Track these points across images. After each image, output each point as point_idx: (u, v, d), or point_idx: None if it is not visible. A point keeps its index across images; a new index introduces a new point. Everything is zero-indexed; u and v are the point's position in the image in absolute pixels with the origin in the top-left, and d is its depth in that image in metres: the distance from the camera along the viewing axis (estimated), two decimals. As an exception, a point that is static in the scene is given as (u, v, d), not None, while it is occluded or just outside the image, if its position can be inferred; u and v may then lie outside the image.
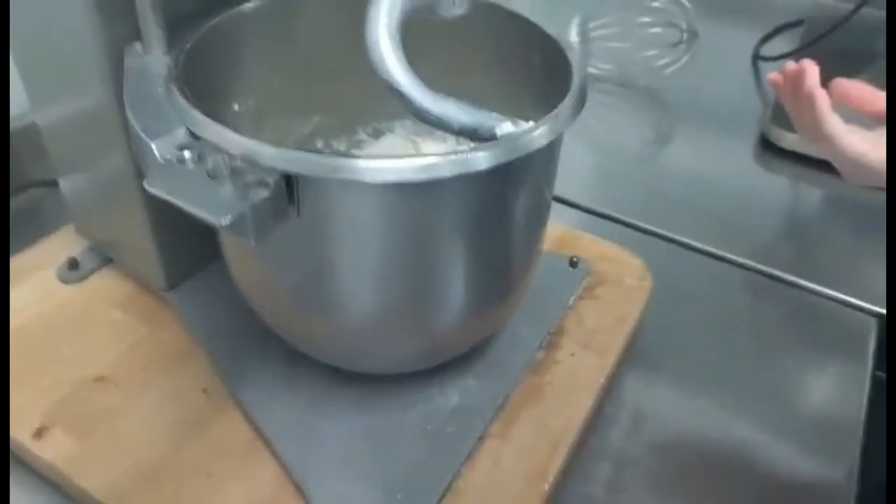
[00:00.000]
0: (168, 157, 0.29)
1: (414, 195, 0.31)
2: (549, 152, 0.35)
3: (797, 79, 0.40)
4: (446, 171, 0.28)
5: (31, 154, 0.59)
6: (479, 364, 0.43)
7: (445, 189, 0.31)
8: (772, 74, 0.43)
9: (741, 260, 0.57)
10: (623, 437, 0.43)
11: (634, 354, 0.48)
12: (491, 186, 0.33)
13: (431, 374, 0.41)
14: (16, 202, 0.57)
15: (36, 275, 0.49)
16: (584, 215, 0.62)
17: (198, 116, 0.29)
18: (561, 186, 0.63)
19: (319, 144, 0.46)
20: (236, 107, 0.40)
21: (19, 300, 0.47)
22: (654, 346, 0.49)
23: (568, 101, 0.33)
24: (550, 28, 0.39)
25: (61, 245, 0.50)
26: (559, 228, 0.54)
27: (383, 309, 0.35)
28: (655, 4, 0.75)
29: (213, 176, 0.28)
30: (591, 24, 0.78)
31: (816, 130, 0.40)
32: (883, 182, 0.39)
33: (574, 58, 0.36)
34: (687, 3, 0.76)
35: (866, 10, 0.79)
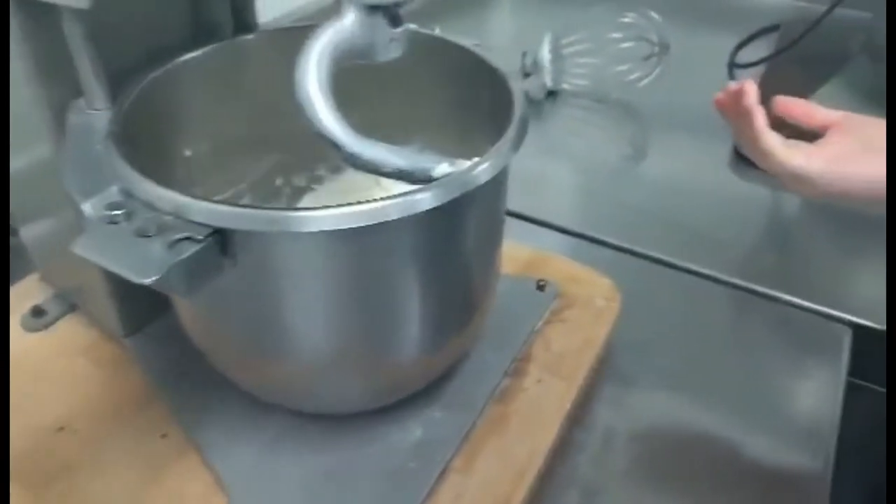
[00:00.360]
0: (99, 216, 0.29)
1: (355, 240, 0.30)
2: (494, 185, 0.35)
3: (737, 97, 0.40)
4: (386, 216, 0.28)
5: None
6: (443, 394, 0.42)
7: (389, 231, 0.31)
8: (718, 95, 0.44)
9: (716, 274, 0.57)
10: (592, 464, 0.42)
11: (605, 376, 0.47)
12: (436, 224, 0.32)
13: (395, 408, 0.41)
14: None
15: None
16: (557, 235, 0.61)
17: (128, 173, 0.29)
18: (533, 205, 0.64)
19: (279, 182, 0.46)
20: (188, 153, 0.40)
21: (-18, 351, 0.47)
22: (627, 367, 0.49)
23: (508, 135, 0.33)
24: (497, 60, 0.39)
25: (25, 293, 0.50)
26: (527, 251, 0.54)
27: (335, 353, 0.35)
28: (626, 20, 0.75)
29: (141, 234, 0.28)
30: (564, 41, 0.78)
31: (754, 147, 0.40)
32: (823, 193, 0.39)
33: (516, 90, 0.36)
34: (657, 17, 0.76)
35: (840, 11, 0.79)
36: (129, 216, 0.29)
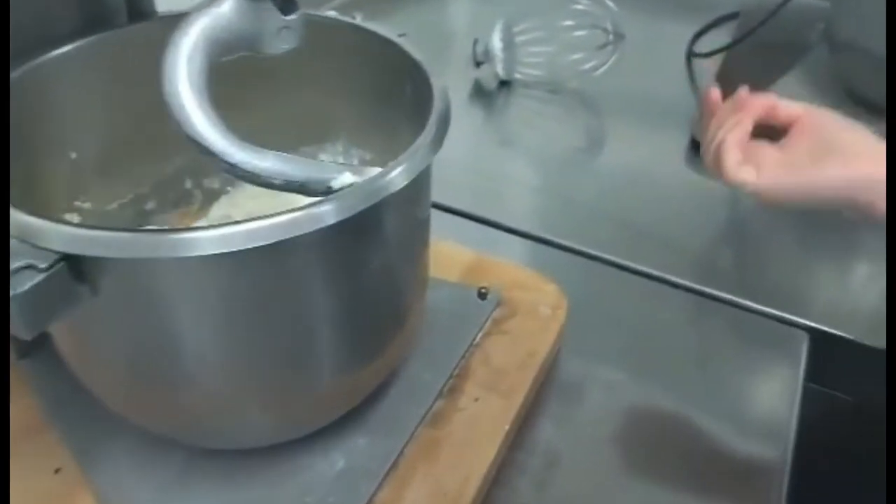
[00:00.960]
0: None
1: (244, 262, 0.26)
2: (412, 190, 0.31)
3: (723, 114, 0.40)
4: (279, 235, 0.24)
5: None
6: (370, 419, 0.39)
7: (286, 250, 0.27)
8: (711, 90, 0.43)
9: (670, 277, 0.54)
10: (534, 488, 0.39)
11: (550, 390, 0.44)
12: (344, 239, 0.29)
13: (315, 435, 0.37)
14: None
15: None
16: (504, 235, 0.58)
17: None
18: (481, 203, 0.61)
19: (188, 185, 0.42)
20: (73, 155, 0.35)
21: None
22: (573, 379, 0.46)
23: (424, 138, 0.29)
24: (419, 52, 0.35)
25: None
26: (470, 254, 0.51)
27: (230, 385, 0.31)
28: (579, 7, 0.72)
29: None
30: (516, 29, 0.74)
31: (713, 153, 0.40)
32: (773, 204, 0.38)
33: (437, 86, 0.32)
34: (611, 4, 0.73)
35: (799, 0, 0.77)
36: None
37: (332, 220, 0.25)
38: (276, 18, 0.27)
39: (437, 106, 0.31)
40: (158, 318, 0.27)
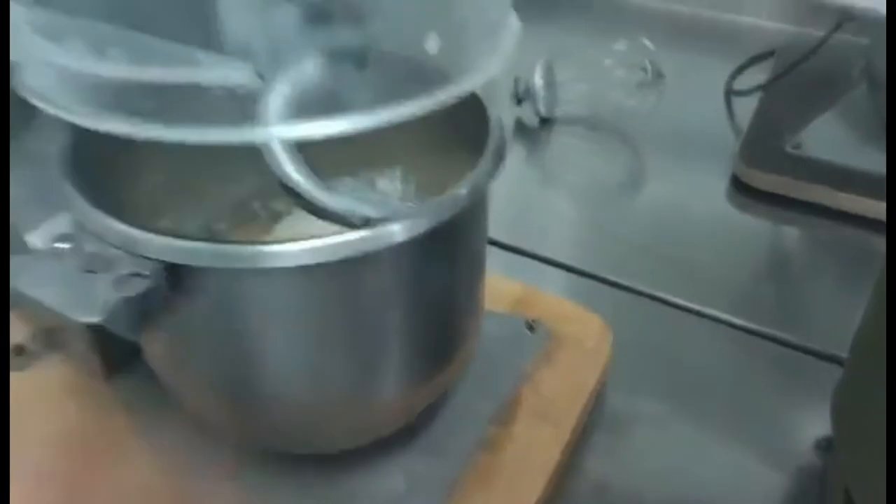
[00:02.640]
0: (46, 248, 0.28)
1: (318, 276, 0.29)
2: (476, 210, 0.34)
3: None
4: (352, 251, 0.27)
5: None
6: (427, 442, 0.41)
7: (357, 266, 0.29)
8: None
9: (712, 312, 0.55)
10: (583, 515, 0.41)
11: (596, 421, 0.46)
12: (416, 254, 0.31)
13: (375, 455, 0.40)
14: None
15: (-22, 364, 0.48)
16: (548, 268, 0.60)
17: (75, 201, 0.28)
18: (524, 237, 0.63)
19: (256, 206, 0.45)
20: (156, 176, 0.38)
21: (-40, 392, 0.46)
22: (619, 410, 0.47)
23: (485, 162, 0.32)
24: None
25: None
26: (517, 287, 0.53)
27: (303, 392, 0.34)
28: (619, 47, 0.75)
29: (87, 269, 0.26)
30: (557, 67, 0.77)
31: None
32: None
33: (493, 115, 0.35)
34: (650, 45, 0.76)
35: (839, 36, 0.78)
36: (76, 250, 0.27)
37: (401, 238, 0.28)
38: (353, 76, 0.29)
39: (494, 132, 0.33)
40: (235, 327, 0.30)
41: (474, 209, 0.32)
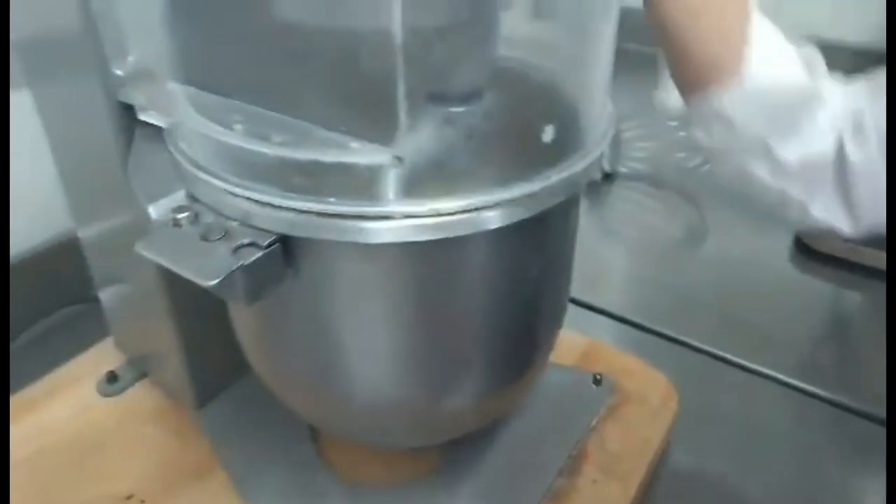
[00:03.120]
0: (164, 218, 0.29)
1: (418, 253, 0.29)
2: (564, 213, 0.34)
3: None
4: (459, 231, 0.27)
5: (77, 271, 0.64)
6: (497, 491, 0.43)
7: (457, 247, 0.30)
8: None
9: (775, 374, 0.56)
10: (646, 573, 0.42)
11: (660, 479, 0.47)
12: (504, 244, 0.31)
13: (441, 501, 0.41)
14: (60, 316, 0.60)
15: (76, 387, 0.51)
16: (611, 322, 0.62)
17: (193, 175, 0.29)
18: (587, 290, 0.65)
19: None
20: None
21: (59, 412, 0.49)
22: (682, 469, 0.48)
23: (580, 165, 0.30)
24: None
25: (101, 358, 0.53)
26: (584, 341, 0.54)
27: (388, 374, 0.34)
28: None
29: (206, 238, 0.28)
30: (622, 126, 0.80)
31: None
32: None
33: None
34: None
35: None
36: (194, 220, 0.29)
37: (496, 224, 0.28)
38: (461, 143, 0.31)
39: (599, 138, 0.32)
40: (334, 303, 0.31)
41: (567, 209, 0.32)
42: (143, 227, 0.38)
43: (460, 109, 0.28)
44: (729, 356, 0.57)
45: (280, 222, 0.27)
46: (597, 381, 0.50)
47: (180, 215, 0.28)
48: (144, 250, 0.27)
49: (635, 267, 0.71)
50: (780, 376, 0.56)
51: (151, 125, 0.33)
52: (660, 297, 0.66)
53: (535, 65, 0.30)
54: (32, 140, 0.60)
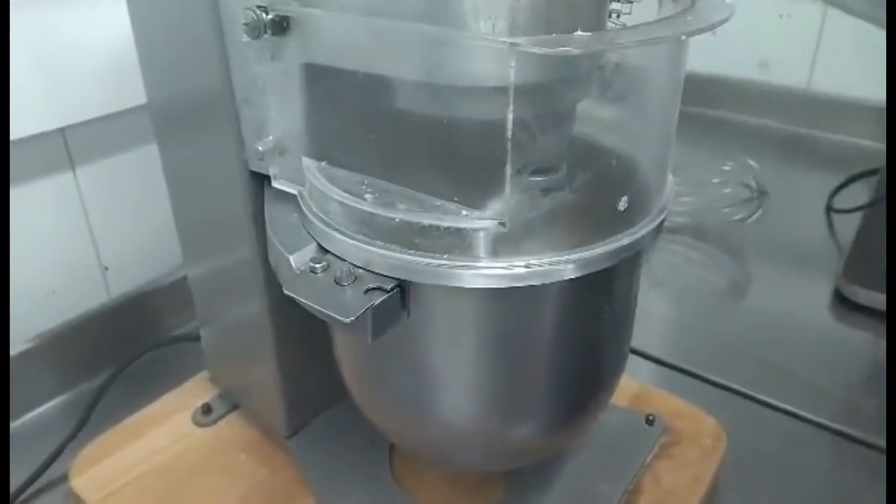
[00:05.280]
0: (303, 268, 0.34)
1: (515, 299, 0.34)
2: (632, 266, 0.39)
3: None
4: (543, 280, 0.32)
5: (179, 312, 0.70)
6: (558, 520, 0.47)
7: (540, 294, 0.34)
8: None
9: (817, 419, 0.59)
10: None
11: (711, 516, 0.50)
12: (578, 294, 0.36)
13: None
14: (163, 353, 0.67)
15: (174, 418, 0.57)
16: (659, 368, 0.66)
17: (326, 232, 0.34)
18: (634, 338, 0.68)
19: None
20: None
21: (159, 441, 0.54)
22: (731, 508, 0.51)
23: (650, 225, 0.35)
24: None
25: (196, 392, 0.58)
26: (635, 385, 0.59)
27: (473, 403, 0.39)
28: (726, 168, 0.82)
29: (339, 283, 0.33)
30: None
31: None
32: None
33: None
34: (754, 165, 0.82)
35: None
36: (326, 269, 0.34)
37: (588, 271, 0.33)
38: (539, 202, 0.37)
39: (665, 198, 0.38)
40: (442, 337, 0.36)
41: (633, 263, 0.38)
42: (255, 268, 0.44)
43: (547, 179, 0.33)
44: (773, 401, 0.61)
45: (401, 270, 0.33)
46: (649, 422, 0.54)
47: (316, 265, 0.34)
48: (291, 293, 0.32)
49: (681, 315, 0.75)
50: (822, 420, 0.59)
51: (278, 190, 0.39)
52: (705, 344, 0.70)
53: (612, 143, 0.35)
54: (149, 190, 0.68)
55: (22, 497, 0.54)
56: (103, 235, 0.68)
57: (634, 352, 0.67)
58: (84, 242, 0.67)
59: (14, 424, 0.62)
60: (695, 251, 0.84)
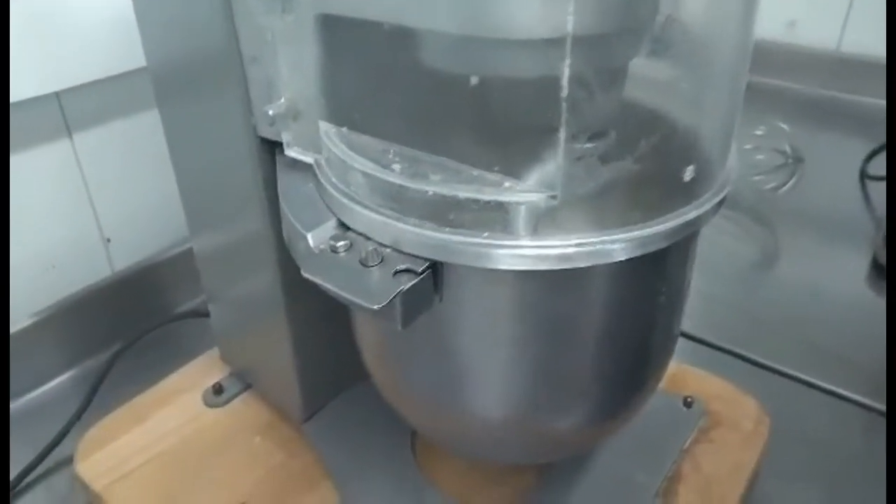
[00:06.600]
0: (322, 247, 0.31)
1: (562, 281, 0.30)
2: (684, 249, 0.36)
3: None
4: (602, 259, 0.28)
5: (186, 286, 0.67)
6: (595, 511, 0.44)
7: (585, 277, 0.31)
8: None
9: (857, 397, 0.56)
10: None
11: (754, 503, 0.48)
12: (632, 276, 0.32)
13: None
14: (170, 329, 0.64)
15: (183, 398, 0.54)
16: (691, 344, 0.62)
17: (349, 207, 0.31)
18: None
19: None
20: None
21: (168, 422, 0.52)
22: (773, 494, 0.49)
23: (706, 206, 0.32)
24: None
25: (207, 370, 0.55)
26: (671, 364, 0.55)
27: (511, 393, 0.36)
28: (758, 132, 0.77)
29: (364, 264, 0.29)
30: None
31: None
32: None
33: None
34: (786, 128, 0.78)
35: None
36: (349, 248, 0.30)
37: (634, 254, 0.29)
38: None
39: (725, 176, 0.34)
40: (472, 327, 0.33)
41: (691, 240, 0.34)
42: (266, 241, 0.40)
43: (603, 144, 0.29)
44: (811, 379, 0.58)
45: (435, 249, 0.29)
46: (687, 404, 0.51)
47: (338, 244, 0.30)
48: (310, 275, 0.29)
49: (713, 289, 0.72)
50: (863, 399, 0.56)
51: (292, 158, 0.35)
52: (735, 318, 0.67)
53: (672, 107, 0.31)
54: (151, 158, 0.64)
55: (26, 480, 0.52)
56: (104, 206, 0.64)
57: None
58: (84, 213, 0.64)
59: (16, 404, 0.59)
60: (726, 221, 0.80)
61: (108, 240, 0.66)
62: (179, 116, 0.44)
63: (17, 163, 0.58)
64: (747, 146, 0.77)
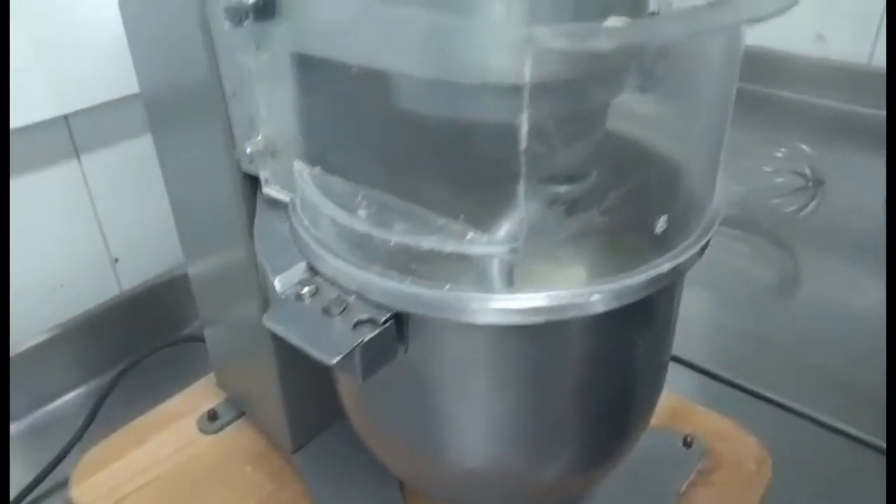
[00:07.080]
0: (288, 292, 0.30)
1: (531, 334, 0.29)
2: (669, 295, 0.35)
3: None
4: (567, 314, 0.27)
5: (195, 305, 0.67)
6: (585, 554, 0.42)
7: (563, 329, 0.30)
8: None
9: (870, 439, 0.53)
10: None
11: (753, 549, 0.46)
12: (598, 330, 0.31)
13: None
14: (169, 353, 0.64)
15: (179, 423, 0.54)
16: (699, 377, 0.60)
17: (316, 253, 0.30)
18: (675, 343, 0.63)
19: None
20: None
21: (163, 448, 0.52)
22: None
23: (691, 250, 0.31)
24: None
25: (204, 395, 0.55)
26: (672, 398, 0.54)
27: (488, 445, 0.35)
28: (778, 154, 0.75)
29: (327, 312, 0.28)
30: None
31: None
32: None
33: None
34: (808, 150, 0.75)
35: None
36: (315, 293, 0.29)
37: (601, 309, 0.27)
38: (563, 223, 0.33)
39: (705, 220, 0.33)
40: (440, 379, 0.32)
41: (673, 287, 0.33)
42: (251, 274, 0.40)
43: (572, 189, 0.28)
44: (821, 417, 0.55)
45: (398, 299, 0.28)
46: (687, 444, 0.49)
47: (304, 289, 0.29)
48: (270, 324, 0.28)
49: (724, 317, 0.70)
50: (875, 440, 0.53)
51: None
52: (750, 350, 0.64)
53: (650, 148, 0.30)
54: (158, 179, 0.64)
55: (27, 500, 0.52)
56: (112, 226, 0.65)
57: (672, 359, 0.62)
58: (92, 233, 0.64)
59: (21, 423, 0.60)
60: (743, 245, 0.78)
61: (116, 260, 0.67)
62: (170, 145, 0.44)
63: (27, 185, 0.58)
64: (767, 168, 0.75)
